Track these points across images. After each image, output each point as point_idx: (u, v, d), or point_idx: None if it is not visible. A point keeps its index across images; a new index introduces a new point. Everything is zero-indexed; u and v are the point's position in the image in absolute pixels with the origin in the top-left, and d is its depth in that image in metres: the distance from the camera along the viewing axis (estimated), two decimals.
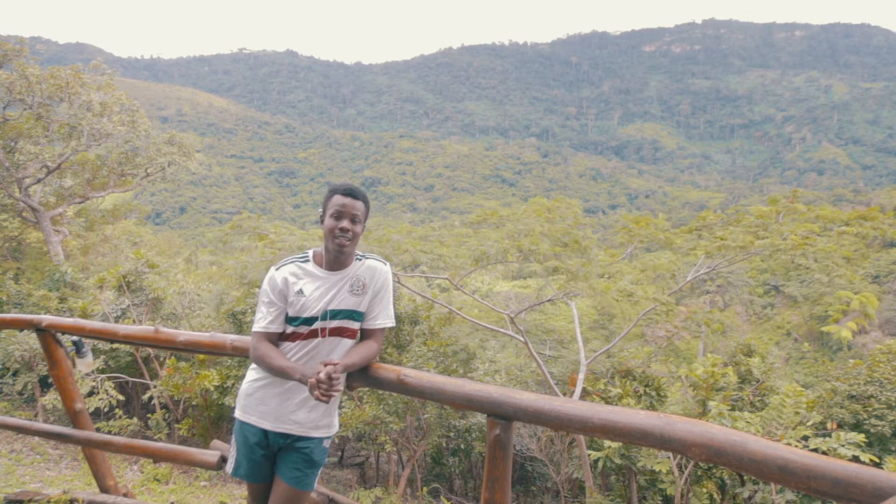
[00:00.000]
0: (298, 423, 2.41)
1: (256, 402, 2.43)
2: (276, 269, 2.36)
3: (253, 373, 2.47)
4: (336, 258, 2.33)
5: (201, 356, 7.88)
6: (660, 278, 9.70)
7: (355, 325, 2.42)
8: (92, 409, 7.38)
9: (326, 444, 2.52)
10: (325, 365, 2.15)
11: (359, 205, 2.30)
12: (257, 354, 2.31)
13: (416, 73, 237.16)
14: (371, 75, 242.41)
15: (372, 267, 2.42)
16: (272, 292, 2.33)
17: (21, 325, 3.91)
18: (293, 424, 2.41)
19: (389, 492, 7.49)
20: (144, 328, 3.18)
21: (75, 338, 3.66)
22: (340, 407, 7.96)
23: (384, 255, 9.04)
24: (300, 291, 2.32)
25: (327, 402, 2.12)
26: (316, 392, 2.09)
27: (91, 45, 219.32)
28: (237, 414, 2.49)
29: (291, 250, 9.18)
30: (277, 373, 2.27)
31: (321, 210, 2.35)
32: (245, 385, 2.48)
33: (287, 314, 2.35)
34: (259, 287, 2.27)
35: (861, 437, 5.49)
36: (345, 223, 2.26)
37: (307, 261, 2.38)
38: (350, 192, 2.29)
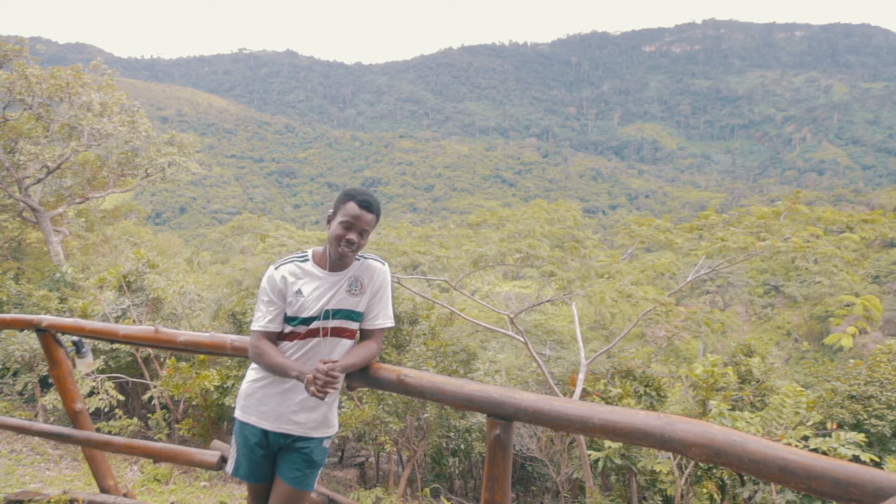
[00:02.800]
0: (298, 423, 2.41)
1: (256, 402, 2.42)
2: (276, 269, 2.34)
3: (253, 373, 2.46)
4: (337, 261, 2.34)
5: (201, 356, 7.88)
6: (660, 278, 9.70)
7: (354, 326, 2.41)
8: (92, 409, 7.38)
9: (326, 444, 2.52)
10: (325, 363, 2.15)
11: (370, 217, 2.27)
12: (256, 352, 2.31)
13: (416, 74, 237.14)
14: (371, 75, 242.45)
15: (371, 267, 2.41)
16: (271, 291, 2.31)
17: (21, 326, 3.91)
18: (293, 425, 2.41)
19: (389, 492, 7.49)
20: (144, 328, 3.18)
21: (75, 338, 3.66)
22: (340, 407, 7.96)
23: (383, 256, 9.03)
24: (299, 291, 2.31)
25: (323, 399, 2.11)
26: (312, 388, 2.09)
27: (91, 45, 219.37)
28: (237, 414, 2.48)
29: (291, 251, 9.18)
30: (275, 370, 2.26)
31: (331, 211, 2.31)
32: (245, 385, 2.47)
33: (285, 314, 2.34)
34: (258, 287, 2.27)
35: (861, 437, 5.49)
36: (352, 236, 2.25)
37: (306, 260, 2.36)
38: (366, 205, 2.26)
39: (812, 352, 33.23)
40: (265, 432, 2.42)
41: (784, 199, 8.66)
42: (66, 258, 15.92)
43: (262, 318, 2.32)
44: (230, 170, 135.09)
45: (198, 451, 3.38)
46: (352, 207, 2.24)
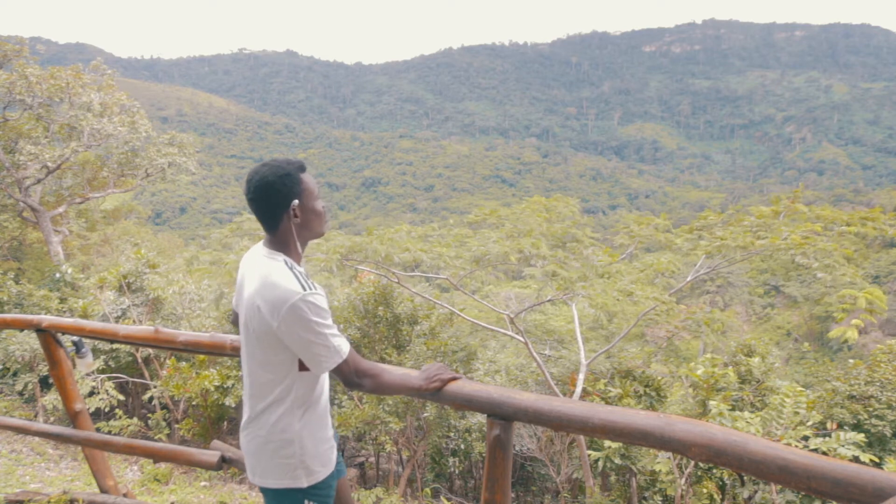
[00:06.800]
0: None
1: (332, 444, 2.09)
2: (317, 291, 1.83)
3: (316, 418, 2.01)
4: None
5: (201, 356, 7.88)
6: (660, 278, 9.70)
7: None
8: (92, 410, 7.38)
9: None
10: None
11: None
12: (375, 370, 1.92)
13: (416, 73, 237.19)
14: (371, 75, 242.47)
15: None
16: (330, 312, 1.88)
17: (21, 326, 3.91)
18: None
19: (390, 492, 7.48)
20: (144, 328, 3.18)
21: (75, 338, 3.65)
22: (341, 406, 7.97)
23: (384, 253, 9.03)
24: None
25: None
26: (448, 374, 2.08)
27: (91, 45, 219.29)
28: (323, 475, 2.02)
29: None
30: (402, 385, 2.01)
31: (296, 201, 1.88)
32: (318, 439, 2.00)
33: None
34: (311, 317, 1.79)
35: (861, 438, 5.49)
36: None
37: (293, 265, 1.92)
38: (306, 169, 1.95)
39: (812, 352, 33.23)
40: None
41: (781, 196, 8.65)
42: (66, 258, 15.93)
43: (343, 339, 1.87)
44: (230, 170, 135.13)
45: (198, 451, 3.38)
46: (308, 180, 1.91)
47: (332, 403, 7.70)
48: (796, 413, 5.70)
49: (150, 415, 8.28)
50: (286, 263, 1.87)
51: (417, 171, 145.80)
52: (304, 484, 1.97)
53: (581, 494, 8.60)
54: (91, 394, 7.60)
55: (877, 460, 5.87)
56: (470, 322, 10.59)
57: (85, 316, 8.60)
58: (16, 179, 15.06)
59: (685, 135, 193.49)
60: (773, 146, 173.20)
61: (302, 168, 1.90)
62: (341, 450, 2.39)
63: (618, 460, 7.30)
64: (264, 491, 2.04)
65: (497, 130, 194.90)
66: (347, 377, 1.87)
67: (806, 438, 5.65)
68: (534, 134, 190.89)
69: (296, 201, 1.87)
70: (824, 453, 4.36)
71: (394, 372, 2.03)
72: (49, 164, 14.86)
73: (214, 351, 2.92)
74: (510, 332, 9.48)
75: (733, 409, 6.54)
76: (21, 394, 8.74)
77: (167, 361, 7.96)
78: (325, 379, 2.07)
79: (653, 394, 8.33)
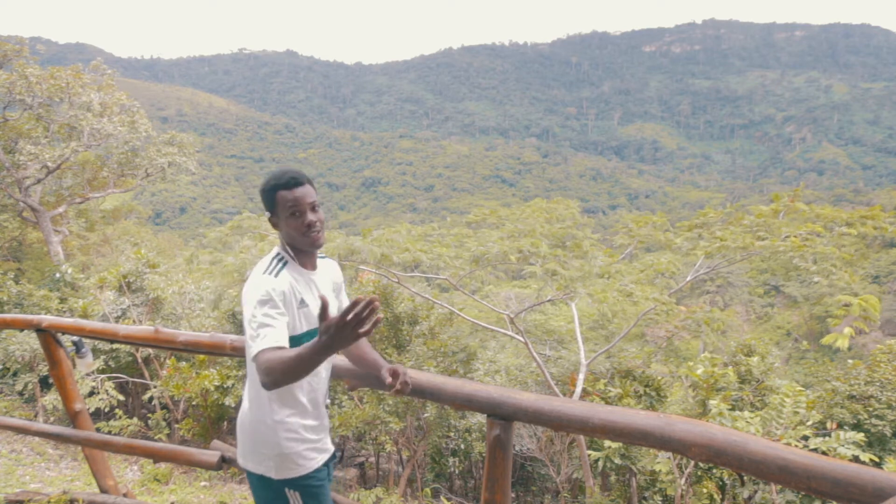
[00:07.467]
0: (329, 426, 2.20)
1: (315, 447, 2.07)
2: (275, 276, 1.89)
3: (295, 417, 2.00)
4: (311, 255, 2.04)
5: (201, 356, 7.88)
6: (659, 278, 9.70)
7: None
8: (92, 410, 7.38)
9: None
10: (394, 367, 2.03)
11: (309, 190, 1.94)
12: (275, 367, 1.64)
13: (416, 74, 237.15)
14: (371, 75, 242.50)
15: (332, 264, 2.21)
16: (280, 302, 1.85)
17: (21, 326, 3.91)
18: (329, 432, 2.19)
19: (390, 492, 7.48)
20: (144, 328, 3.18)
21: (75, 338, 3.66)
22: (340, 406, 7.97)
23: (384, 253, 9.05)
24: (303, 301, 1.95)
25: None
26: (404, 379, 1.97)
27: (91, 45, 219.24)
28: (299, 472, 2.02)
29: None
30: (309, 364, 1.58)
31: (267, 214, 2.00)
32: (294, 438, 1.99)
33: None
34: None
35: (861, 437, 5.49)
36: (310, 217, 1.92)
37: (287, 261, 1.99)
38: (294, 182, 1.92)
39: (812, 352, 33.22)
40: (327, 464, 2.13)
41: (774, 194, 8.65)
42: (66, 258, 15.93)
43: (272, 334, 1.76)
44: (230, 170, 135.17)
45: (198, 451, 3.38)
46: (284, 196, 1.92)
47: (332, 404, 7.72)
48: (796, 413, 5.70)
49: (150, 415, 8.28)
50: (276, 254, 2.01)
51: (417, 171, 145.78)
52: (275, 476, 2.02)
53: (581, 494, 8.60)
54: (91, 394, 7.60)
55: (877, 460, 5.87)
56: (470, 322, 10.60)
57: (85, 316, 8.60)
58: (16, 179, 15.06)
59: (685, 135, 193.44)
60: (773, 146, 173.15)
61: (283, 184, 1.93)
62: (340, 450, 2.35)
63: (618, 460, 7.30)
64: (248, 474, 2.11)
65: (497, 130, 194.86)
66: (259, 375, 1.70)
67: (806, 438, 5.65)
68: (534, 134, 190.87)
69: (267, 214, 2.01)
70: (824, 453, 4.36)
71: (302, 351, 1.60)
72: (49, 164, 14.86)
73: (214, 351, 2.93)
74: (510, 332, 9.48)
75: (733, 408, 6.53)
76: (21, 394, 8.73)
77: (167, 361, 7.96)
78: (313, 377, 2.03)
79: (653, 394, 8.34)
